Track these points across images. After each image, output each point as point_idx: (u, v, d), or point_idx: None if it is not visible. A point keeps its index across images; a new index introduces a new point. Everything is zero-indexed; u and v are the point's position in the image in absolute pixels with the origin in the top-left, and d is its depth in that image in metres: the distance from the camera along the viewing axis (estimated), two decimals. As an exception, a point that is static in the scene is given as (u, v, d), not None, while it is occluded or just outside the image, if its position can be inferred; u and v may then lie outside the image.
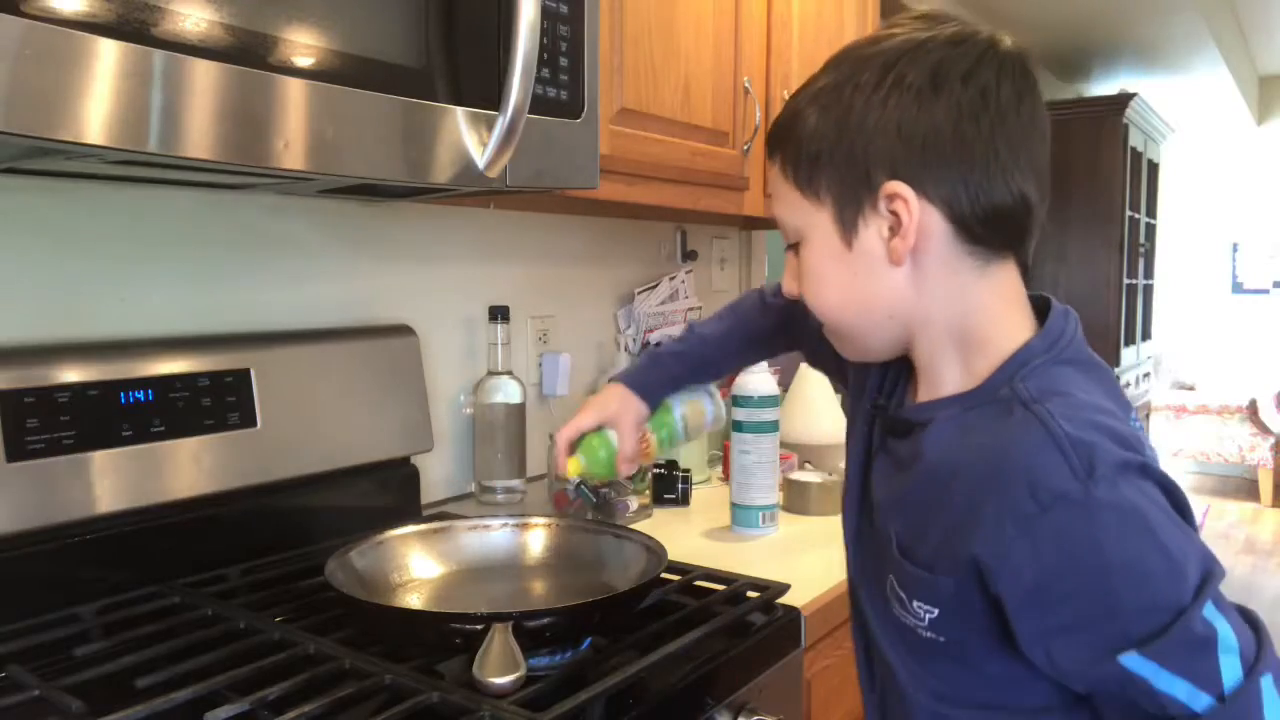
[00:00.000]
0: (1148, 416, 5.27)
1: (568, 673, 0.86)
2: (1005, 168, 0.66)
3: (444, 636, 0.88)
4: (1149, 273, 4.97)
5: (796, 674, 1.09)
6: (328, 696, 0.78)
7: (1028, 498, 0.60)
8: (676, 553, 1.06)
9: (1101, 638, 0.60)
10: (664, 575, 1.00)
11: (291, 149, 0.81)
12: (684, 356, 1.08)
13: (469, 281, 1.56)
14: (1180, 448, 5.60)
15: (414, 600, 1.03)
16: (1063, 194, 4.22)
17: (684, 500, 1.54)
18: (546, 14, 1.01)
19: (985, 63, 0.67)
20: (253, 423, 1.15)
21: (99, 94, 0.68)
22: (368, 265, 1.40)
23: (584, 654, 0.92)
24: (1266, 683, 0.58)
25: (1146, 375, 5.13)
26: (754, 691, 0.99)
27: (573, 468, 1.01)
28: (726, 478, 1.58)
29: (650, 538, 1.07)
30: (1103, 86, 5.07)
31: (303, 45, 0.81)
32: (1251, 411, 5.39)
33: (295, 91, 0.81)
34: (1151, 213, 4.92)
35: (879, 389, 0.81)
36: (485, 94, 0.96)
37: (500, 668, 0.78)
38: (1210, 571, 0.60)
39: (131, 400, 1.04)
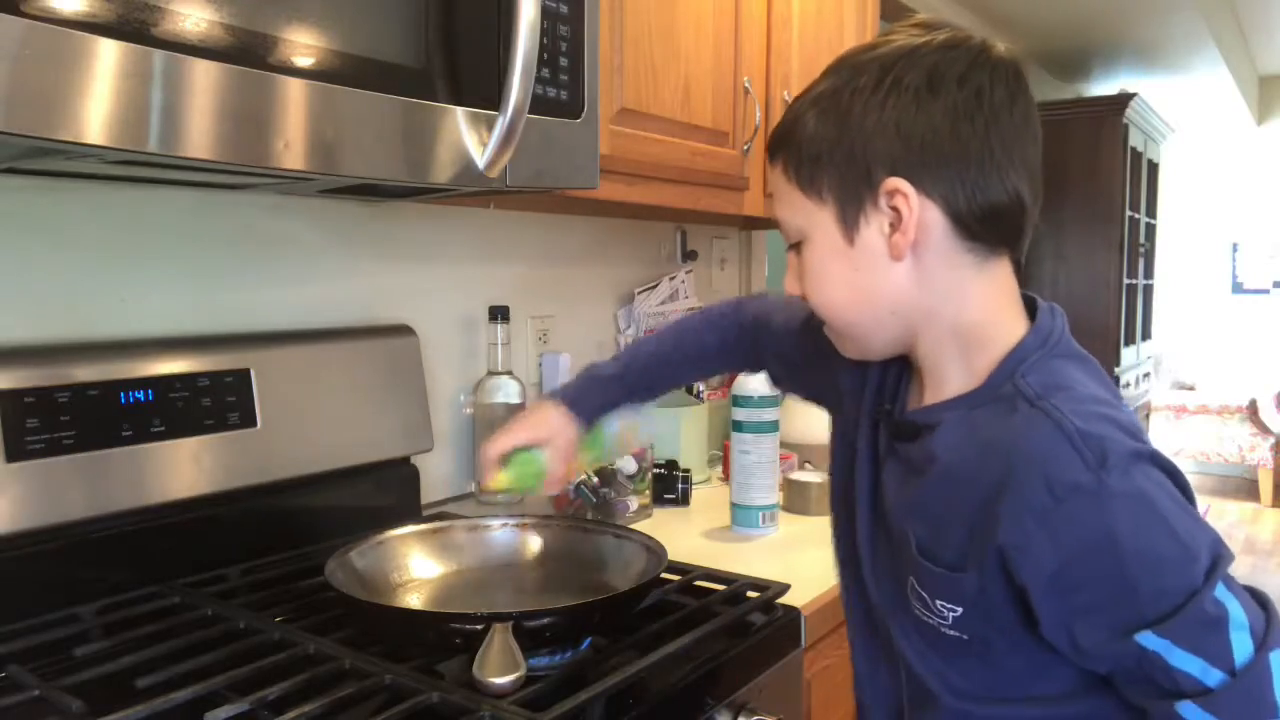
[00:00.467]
0: (1148, 416, 5.27)
1: (568, 673, 0.86)
2: (1000, 166, 0.68)
3: (444, 636, 0.88)
4: (1149, 273, 4.97)
5: (796, 674, 1.09)
6: (328, 696, 0.78)
7: (1044, 492, 0.63)
8: (676, 553, 1.06)
9: (1119, 619, 0.63)
10: (664, 575, 1.00)
11: (291, 149, 0.81)
12: (623, 380, 1.06)
13: (469, 281, 1.56)
14: (1180, 448, 5.60)
15: (414, 600, 1.03)
16: (1062, 194, 4.22)
17: (684, 500, 1.54)
18: (546, 14, 1.01)
19: (979, 66, 0.69)
20: (253, 423, 1.15)
21: (99, 94, 0.68)
22: (368, 265, 1.40)
23: (584, 654, 0.92)
24: (1275, 658, 0.61)
25: (1146, 375, 5.12)
26: (754, 691, 0.99)
27: (500, 481, 1.00)
28: (726, 478, 1.58)
29: (650, 538, 1.07)
30: (1103, 86, 5.07)
31: (303, 45, 0.81)
32: (1251, 411, 5.39)
33: (295, 91, 0.81)
34: (1151, 213, 4.91)
35: (879, 393, 0.82)
36: (485, 94, 0.96)
37: (500, 668, 0.78)
38: (1220, 555, 0.63)
39: (131, 400, 1.04)
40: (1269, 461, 5.38)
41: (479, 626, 0.83)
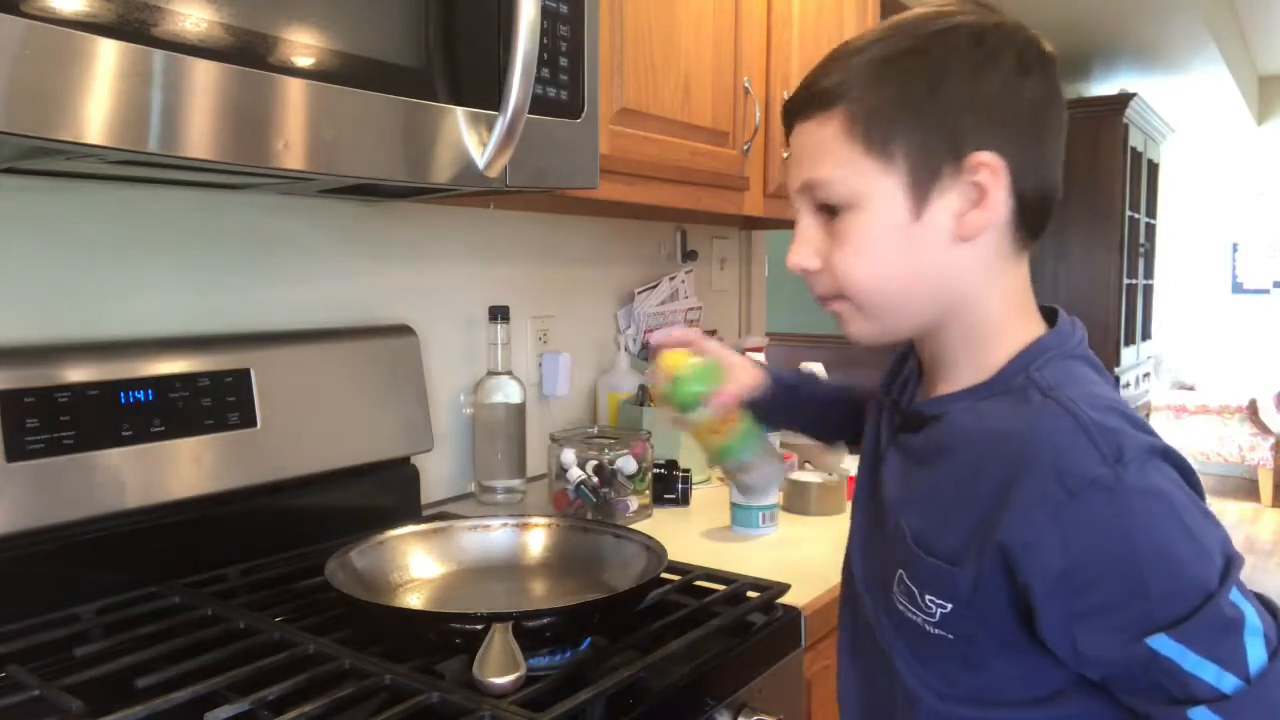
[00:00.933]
0: (1148, 416, 5.27)
1: (568, 673, 0.86)
2: (1059, 157, 0.70)
3: (444, 636, 0.88)
4: (1149, 273, 4.97)
5: (796, 674, 1.09)
6: (328, 696, 0.78)
7: (1056, 484, 0.60)
8: (676, 553, 1.06)
9: (1131, 622, 0.60)
10: (664, 575, 1.00)
11: (291, 149, 0.81)
12: (824, 397, 1.02)
13: (469, 281, 1.56)
14: (1180, 448, 5.54)
15: (414, 600, 1.03)
16: (1062, 193, 4.22)
17: (684, 500, 1.54)
18: (546, 14, 1.01)
19: (1046, 56, 0.70)
20: (253, 423, 1.15)
21: (99, 94, 0.68)
22: (368, 265, 1.40)
23: (584, 654, 0.92)
24: None
25: (1146, 375, 5.13)
26: (754, 691, 0.99)
27: (672, 363, 0.88)
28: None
29: (650, 538, 1.07)
30: (1103, 86, 5.07)
31: (303, 45, 0.81)
32: (1251, 411, 5.39)
33: (295, 91, 0.81)
34: (1151, 213, 4.92)
35: (887, 386, 0.81)
36: (485, 94, 0.96)
37: (500, 668, 0.78)
38: (1231, 556, 0.61)
39: (132, 400, 1.04)
40: (1269, 461, 5.37)
41: (479, 626, 0.83)
